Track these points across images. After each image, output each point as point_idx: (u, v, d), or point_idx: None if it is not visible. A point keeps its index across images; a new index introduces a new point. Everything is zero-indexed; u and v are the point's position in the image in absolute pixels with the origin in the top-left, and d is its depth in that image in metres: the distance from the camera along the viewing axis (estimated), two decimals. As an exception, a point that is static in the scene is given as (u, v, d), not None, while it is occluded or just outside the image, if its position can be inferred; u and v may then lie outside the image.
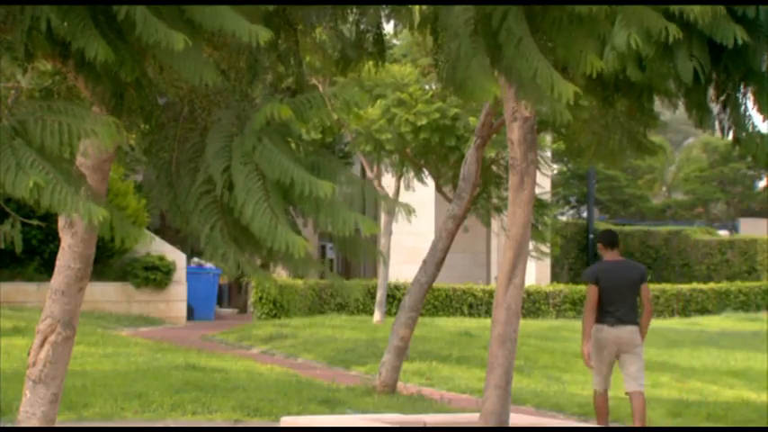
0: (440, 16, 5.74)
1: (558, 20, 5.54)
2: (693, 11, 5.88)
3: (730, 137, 7.67)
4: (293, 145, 5.00)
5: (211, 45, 5.32)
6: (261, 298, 22.81)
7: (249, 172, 4.72)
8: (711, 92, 7.68)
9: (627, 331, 10.54)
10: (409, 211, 5.09)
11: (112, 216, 4.47)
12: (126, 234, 4.62)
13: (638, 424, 10.58)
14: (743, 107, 7.47)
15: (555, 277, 32.26)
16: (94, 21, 4.60)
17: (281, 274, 22.24)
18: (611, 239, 11.00)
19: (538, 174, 9.20)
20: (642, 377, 10.65)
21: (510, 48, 5.34)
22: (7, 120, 4.43)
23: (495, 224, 19.58)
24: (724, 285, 30.28)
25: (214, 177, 4.82)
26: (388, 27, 7.05)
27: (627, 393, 10.67)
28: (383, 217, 21.00)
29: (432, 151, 18.53)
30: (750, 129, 7.49)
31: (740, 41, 6.64)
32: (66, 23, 4.52)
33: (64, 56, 4.86)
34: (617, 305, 10.58)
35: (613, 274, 10.70)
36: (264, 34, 4.54)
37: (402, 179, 19.92)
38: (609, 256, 11.01)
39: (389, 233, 21.13)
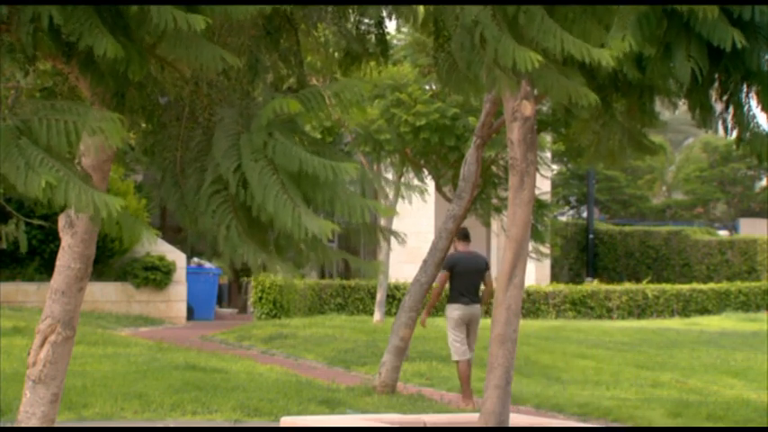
0: (447, 10, 5.72)
1: (570, 15, 5.52)
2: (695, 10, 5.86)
3: (734, 136, 7.69)
4: (298, 140, 4.99)
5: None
6: (261, 298, 22.81)
7: (262, 168, 4.71)
8: (714, 92, 7.69)
9: (476, 308, 13.12)
10: (422, 191, 5.15)
11: (120, 214, 4.47)
12: (133, 231, 4.61)
13: (464, 384, 12.86)
14: (746, 106, 7.48)
15: (555, 277, 32.26)
16: (101, 19, 4.60)
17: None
18: (465, 234, 13.28)
19: (538, 174, 9.21)
20: (473, 345, 13.14)
21: (533, 28, 5.31)
22: (11, 120, 4.43)
23: (495, 224, 19.57)
24: (724, 285, 30.26)
25: (225, 177, 4.81)
26: (390, 27, 7.04)
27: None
28: (383, 217, 20.99)
29: (432, 151, 18.52)
30: (754, 128, 7.50)
31: (739, 45, 6.65)
32: (72, 22, 4.51)
33: (68, 56, 4.85)
34: (469, 288, 13.03)
35: (467, 262, 13.10)
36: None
37: (402, 179, 19.90)
38: (462, 247, 13.25)
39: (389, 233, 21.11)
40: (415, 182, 19.42)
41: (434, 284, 13.30)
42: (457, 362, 12.98)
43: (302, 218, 4.57)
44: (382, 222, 21.50)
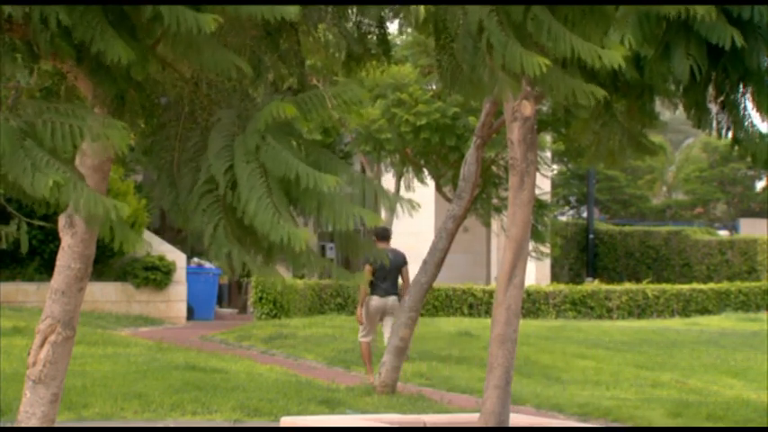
0: (449, 14, 5.71)
1: (570, 16, 5.51)
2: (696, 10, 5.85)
3: (729, 137, 7.69)
4: (295, 144, 4.99)
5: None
6: (261, 298, 22.80)
7: (252, 170, 4.73)
8: (711, 92, 7.69)
9: (391, 300, 14.39)
10: (413, 206, 5.11)
11: (113, 219, 4.47)
12: (125, 238, 4.61)
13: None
14: (742, 107, 7.48)
15: (555, 277, 32.24)
16: (107, 20, 4.60)
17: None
18: (385, 234, 14.66)
19: (538, 174, 9.21)
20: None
21: (542, 34, 5.31)
22: (14, 121, 4.43)
23: (495, 224, 19.57)
24: (724, 285, 30.21)
25: (216, 177, 4.82)
26: (391, 27, 7.03)
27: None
28: (383, 216, 21.00)
29: (432, 151, 18.52)
30: (749, 128, 7.51)
31: (738, 44, 6.66)
32: (82, 25, 4.51)
33: (79, 58, 4.85)
34: (386, 281, 14.36)
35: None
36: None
37: (402, 179, 19.90)
38: (382, 245, 14.37)
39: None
40: (416, 182, 19.39)
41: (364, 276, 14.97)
42: (360, 342, 14.64)
43: (279, 222, 4.59)
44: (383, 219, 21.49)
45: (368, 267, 14.17)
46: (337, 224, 4.74)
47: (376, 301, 14.35)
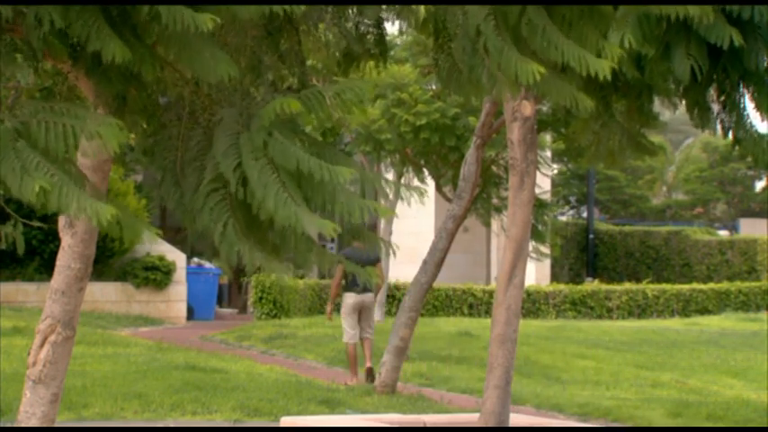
0: (448, 14, 5.72)
1: (567, 16, 5.52)
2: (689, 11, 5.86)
3: (731, 137, 7.69)
4: (298, 140, 5.00)
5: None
6: (261, 298, 22.80)
7: (262, 166, 4.73)
8: (713, 92, 7.70)
9: (368, 297, 14.71)
10: (421, 192, 5.14)
11: (120, 214, 4.46)
12: (133, 231, 4.60)
13: (367, 354, 14.67)
14: (742, 107, 7.49)
15: (555, 277, 32.23)
16: (109, 20, 4.59)
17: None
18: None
19: (538, 174, 9.21)
20: (372, 329, 14.80)
21: (536, 39, 5.32)
22: (10, 121, 4.42)
23: (495, 224, 19.57)
24: (724, 285, 30.21)
25: (226, 175, 4.82)
26: (392, 28, 7.03)
27: (361, 339, 14.66)
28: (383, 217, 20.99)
29: (432, 151, 18.51)
30: (748, 128, 7.51)
31: (736, 44, 6.66)
32: (78, 25, 4.51)
33: (75, 58, 4.85)
34: (361, 279, 13.88)
35: (359, 256, 13.97)
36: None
37: (402, 179, 19.88)
38: (358, 244, 14.52)
39: (389, 233, 21.13)
40: (416, 182, 19.40)
41: (336, 274, 15.20)
42: (346, 343, 14.74)
43: (302, 216, 4.58)
44: (382, 223, 21.52)
45: (340, 266, 14.20)
46: (351, 218, 4.75)
47: (353, 298, 14.55)
